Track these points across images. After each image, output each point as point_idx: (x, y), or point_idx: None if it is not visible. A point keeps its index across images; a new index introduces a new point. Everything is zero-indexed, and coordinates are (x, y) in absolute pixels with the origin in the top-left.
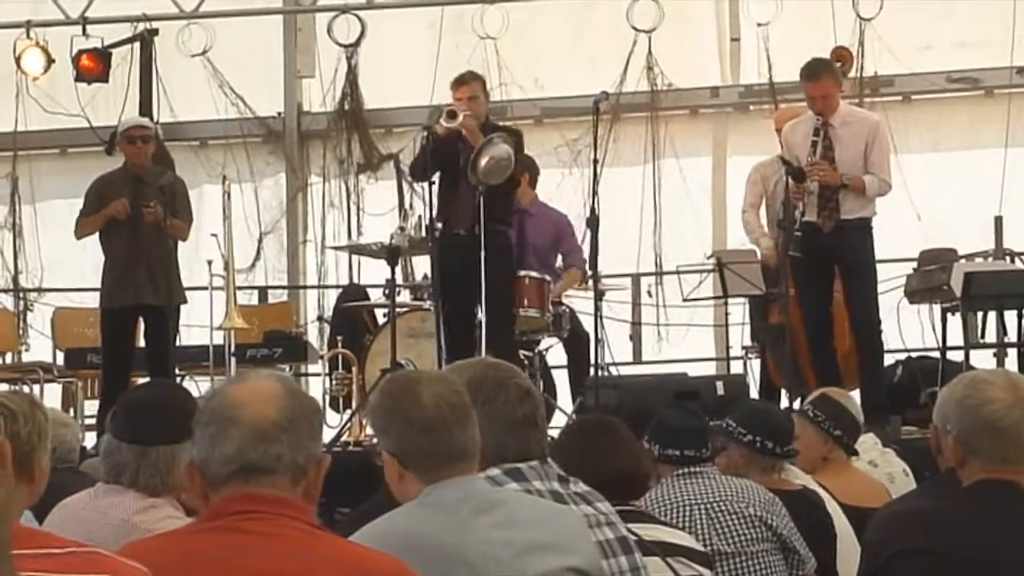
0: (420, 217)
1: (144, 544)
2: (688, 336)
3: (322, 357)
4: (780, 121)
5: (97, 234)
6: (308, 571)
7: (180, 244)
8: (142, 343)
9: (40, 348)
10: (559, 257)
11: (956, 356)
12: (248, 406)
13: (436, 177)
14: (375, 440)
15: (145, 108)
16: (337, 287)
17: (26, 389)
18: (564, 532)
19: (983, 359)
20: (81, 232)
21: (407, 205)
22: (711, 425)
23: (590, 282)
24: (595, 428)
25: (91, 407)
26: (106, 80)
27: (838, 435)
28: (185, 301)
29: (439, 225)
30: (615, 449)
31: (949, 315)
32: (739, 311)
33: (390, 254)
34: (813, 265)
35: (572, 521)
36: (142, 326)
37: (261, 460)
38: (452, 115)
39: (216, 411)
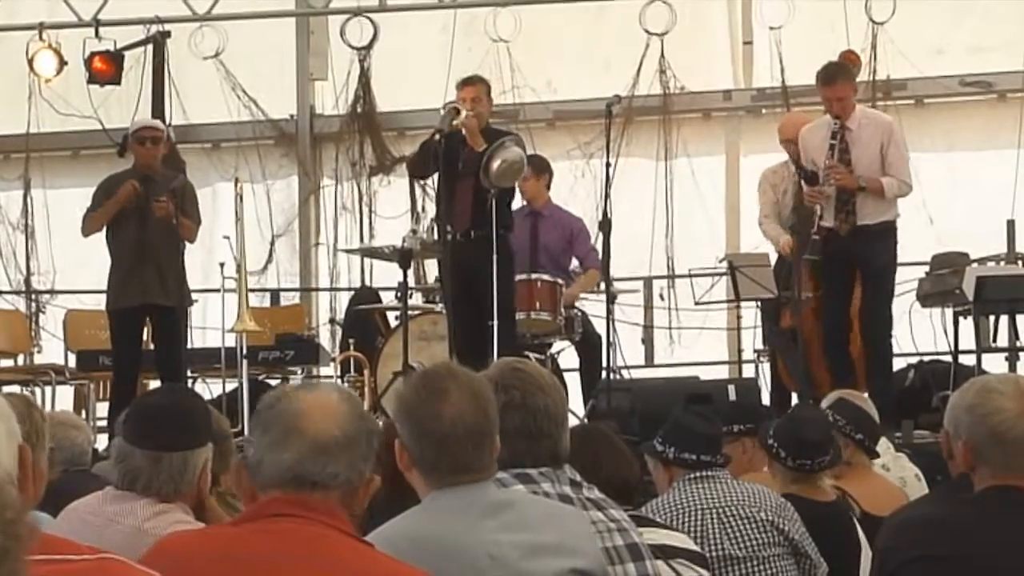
0: (432, 220)
1: (185, 536)
2: (700, 339)
3: (334, 360)
4: (785, 130)
5: (105, 234)
6: None
7: (191, 246)
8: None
9: (52, 350)
10: (573, 260)
11: (968, 360)
12: (312, 419)
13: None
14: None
15: (157, 110)
16: (349, 290)
17: (38, 391)
18: (569, 533)
19: (995, 363)
20: (88, 227)
21: (419, 208)
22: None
23: (602, 284)
24: (588, 436)
25: (103, 409)
26: (119, 82)
27: (860, 439)
28: (192, 303)
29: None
30: (610, 457)
31: (961, 319)
32: (751, 315)
33: (402, 257)
34: (834, 269)
35: (577, 523)
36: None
37: (318, 475)
38: (457, 112)
39: (279, 417)
